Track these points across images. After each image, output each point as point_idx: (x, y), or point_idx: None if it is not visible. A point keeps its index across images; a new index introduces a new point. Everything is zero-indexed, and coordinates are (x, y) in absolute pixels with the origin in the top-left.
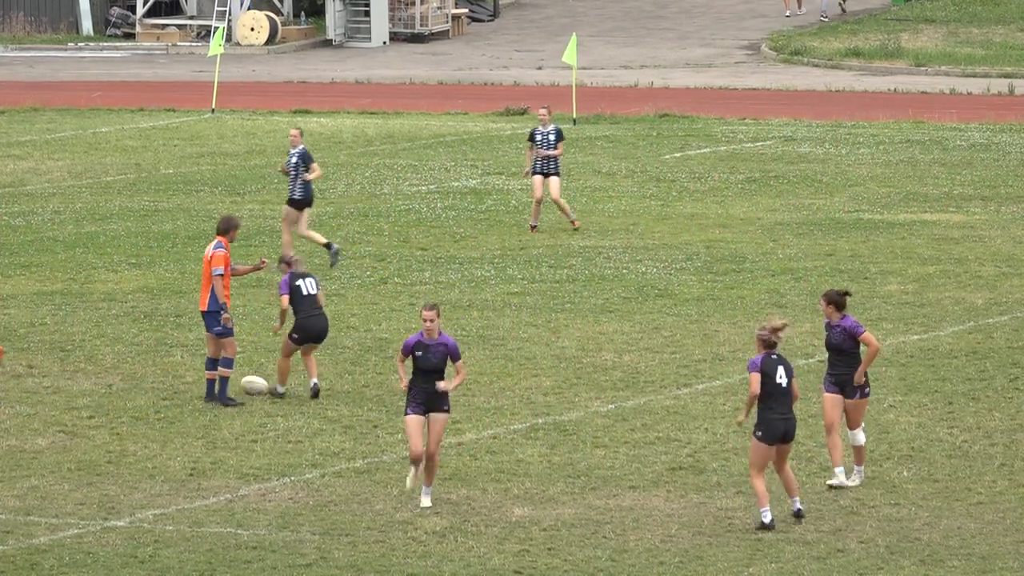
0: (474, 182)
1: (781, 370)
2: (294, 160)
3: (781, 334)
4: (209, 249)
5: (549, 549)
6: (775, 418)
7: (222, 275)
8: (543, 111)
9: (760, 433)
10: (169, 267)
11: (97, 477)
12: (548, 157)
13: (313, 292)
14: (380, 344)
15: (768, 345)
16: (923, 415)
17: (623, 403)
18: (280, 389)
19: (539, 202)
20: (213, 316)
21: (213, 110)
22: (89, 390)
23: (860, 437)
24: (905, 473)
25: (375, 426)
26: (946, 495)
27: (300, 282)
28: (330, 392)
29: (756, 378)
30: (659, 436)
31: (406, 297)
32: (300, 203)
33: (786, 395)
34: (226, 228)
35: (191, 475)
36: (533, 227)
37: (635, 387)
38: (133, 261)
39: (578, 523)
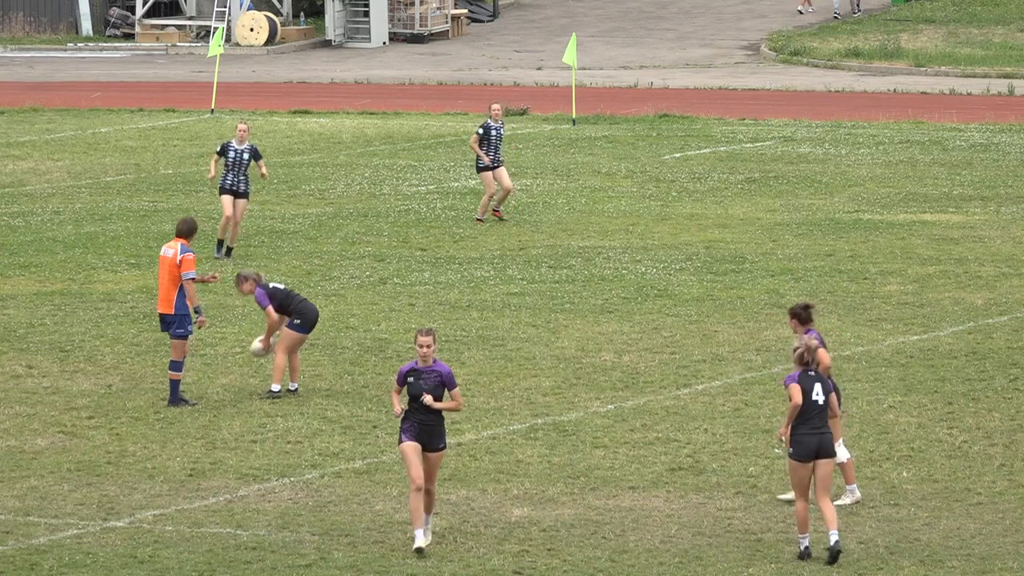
0: (474, 182)
1: (818, 387)
2: (245, 156)
3: (816, 355)
4: (171, 251)
5: (549, 549)
6: (807, 432)
7: (194, 279)
8: (496, 107)
9: (792, 451)
10: None
11: (97, 477)
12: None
13: (292, 290)
14: (380, 344)
15: (804, 363)
16: (923, 415)
17: (623, 403)
18: (276, 388)
19: (492, 196)
20: (180, 319)
21: (212, 110)
22: (89, 390)
23: (843, 453)
24: (905, 474)
25: (375, 427)
26: (945, 496)
27: (273, 286)
28: (330, 393)
29: (797, 389)
30: (659, 436)
31: (405, 297)
32: (245, 195)
33: (821, 412)
34: (189, 230)
35: (191, 475)
36: (479, 220)
37: (635, 387)
38: (133, 261)
39: (578, 523)
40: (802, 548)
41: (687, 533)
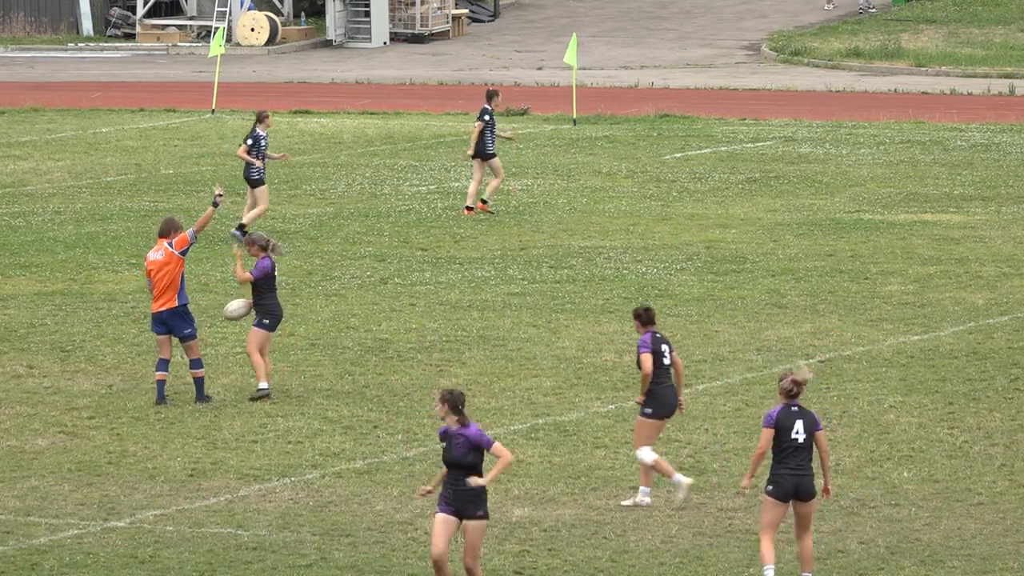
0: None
1: (799, 424)
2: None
3: (804, 388)
4: (160, 253)
5: (549, 550)
6: (786, 472)
7: (193, 241)
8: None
9: (771, 488)
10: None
11: (97, 478)
12: (497, 138)
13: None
14: (380, 345)
15: (789, 395)
16: (923, 415)
17: (623, 403)
18: (264, 385)
19: (502, 180)
20: (185, 317)
21: (213, 110)
22: (89, 390)
23: (648, 456)
24: (905, 474)
25: (375, 427)
26: (946, 496)
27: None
28: (330, 393)
29: (767, 435)
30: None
31: (406, 297)
32: (261, 183)
33: (802, 450)
34: (169, 230)
35: (191, 476)
36: (469, 209)
37: (635, 387)
38: (134, 261)
39: (578, 524)
40: None
41: (688, 533)
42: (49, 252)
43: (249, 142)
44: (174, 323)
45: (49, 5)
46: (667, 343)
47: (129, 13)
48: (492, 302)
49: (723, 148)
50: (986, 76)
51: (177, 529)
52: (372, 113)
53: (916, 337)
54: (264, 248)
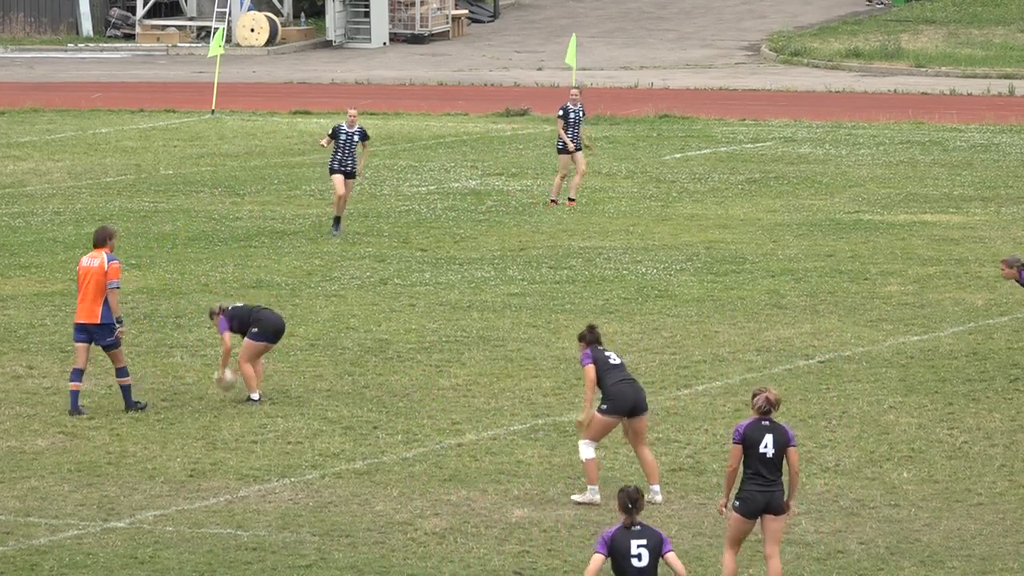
0: (474, 183)
1: (769, 439)
2: (355, 138)
3: (776, 406)
4: (96, 261)
5: (549, 550)
6: (756, 489)
7: (118, 288)
8: (575, 91)
9: (738, 504)
10: (169, 268)
11: (97, 478)
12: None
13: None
14: (380, 345)
15: (762, 413)
16: (923, 416)
17: None
18: (255, 396)
19: (564, 178)
20: (107, 328)
21: (213, 111)
22: (89, 391)
23: (588, 452)
24: (905, 474)
25: (375, 427)
26: (946, 496)
27: (233, 307)
28: (330, 393)
29: (736, 452)
30: (659, 437)
31: (406, 298)
32: (353, 175)
33: (770, 465)
34: (104, 238)
35: (191, 476)
36: (553, 201)
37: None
38: (133, 262)
39: (578, 524)
40: None
41: (687, 533)
42: (49, 253)
43: (330, 132)
44: (93, 334)
45: (49, 6)
46: (610, 353)
47: (129, 14)
48: (492, 303)
49: (723, 149)
50: (986, 77)
51: (177, 530)
52: (372, 113)
53: (916, 337)
54: (217, 312)
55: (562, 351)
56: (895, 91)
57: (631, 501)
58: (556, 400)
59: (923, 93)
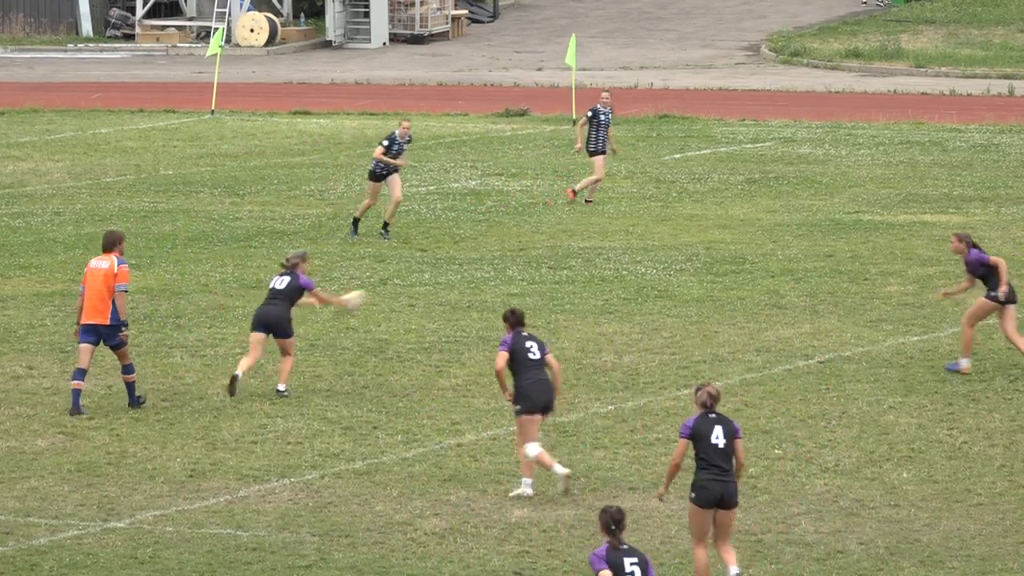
0: (474, 183)
1: (719, 430)
2: (404, 147)
3: (718, 400)
4: (107, 263)
5: (549, 550)
6: (710, 479)
7: (127, 291)
8: (606, 94)
9: (694, 495)
10: (168, 268)
11: (97, 478)
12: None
13: (279, 287)
14: (380, 345)
15: (706, 407)
16: (923, 416)
17: (623, 404)
18: (236, 372)
19: (599, 180)
20: (115, 330)
21: (213, 111)
22: (89, 391)
23: (533, 449)
24: (905, 474)
25: (375, 427)
26: (946, 496)
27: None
28: (330, 393)
29: (682, 446)
30: (659, 437)
31: (405, 298)
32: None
33: (723, 456)
34: (113, 242)
35: (191, 476)
36: (588, 201)
37: (635, 388)
38: (133, 262)
39: (578, 524)
40: None
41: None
42: (48, 253)
43: (385, 143)
44: (102, 334)
45: (49, 6)
46: (536, 341)
47: (128, 14)
48: (491, 303)
49: (722, 149)
50: (985, 77)
51: (177, 530)
52: (371, 114)
53: (915, 338)
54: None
55: (562, 351)
56: (895, 91)
57: (614, 522)
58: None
59: (923, 93)
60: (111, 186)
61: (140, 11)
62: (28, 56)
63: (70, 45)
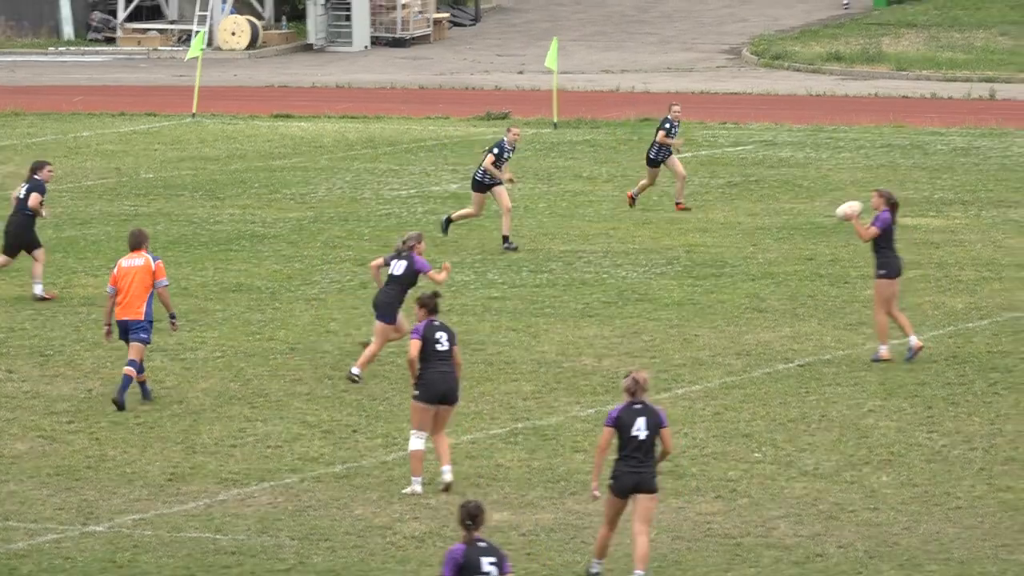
0: (455, 186)
1: (641, 421)
2: (510, 155)
3: (644, 385)
4: (141, 260)
5: (528, 554)
6: (626, 470)
7: (167, 285)
8: (677, 108)
9: (611, 483)
10: None
11: (76, 482)
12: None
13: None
14: (360, 349)
15: (631, 393)
16: (902, 419)
17: (603, 408)
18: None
19: (644, 188)
20: (144, 324)
21: (194, 114)
22: (68, 395)
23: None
24: (884, 478)
25: (354, 431)
26: (925, 500)
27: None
28: (310, 397)
29: (606, 434)
30: (473, 433)
31: None
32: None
33: (643, 448)
34: (141, 241)
35: (170, 480)
36: (679, 204)
37: (615, 392)
38: (113, 266)
39: (557, 528)
40: (592, 572)
41: (666, 537)
42: (28, 257)
43: (495, 151)
44: (134, 329)
45: (30, 9)
46: (447, 331)
47: (110, 17)
48: (472, 306)
49: (703, 152)
50: (967, 80)
51: (156, 534)
52: (353, 117)
53: (895, 341)
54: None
55: (542, 355)
56: (876, 94)
57: (470, 518)
58: (536, 404)
59: (904, 96)
60: (92, 189)
61: (122, 14)
62: (9, 59)
63: (51, 48)
